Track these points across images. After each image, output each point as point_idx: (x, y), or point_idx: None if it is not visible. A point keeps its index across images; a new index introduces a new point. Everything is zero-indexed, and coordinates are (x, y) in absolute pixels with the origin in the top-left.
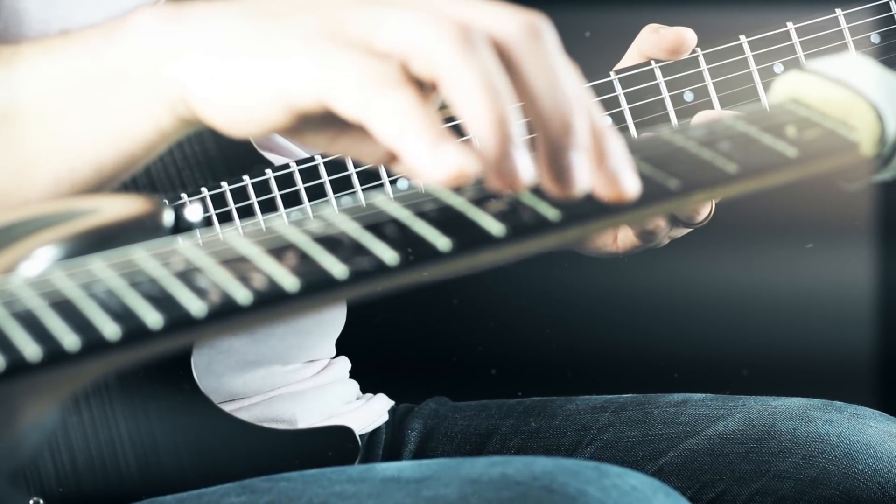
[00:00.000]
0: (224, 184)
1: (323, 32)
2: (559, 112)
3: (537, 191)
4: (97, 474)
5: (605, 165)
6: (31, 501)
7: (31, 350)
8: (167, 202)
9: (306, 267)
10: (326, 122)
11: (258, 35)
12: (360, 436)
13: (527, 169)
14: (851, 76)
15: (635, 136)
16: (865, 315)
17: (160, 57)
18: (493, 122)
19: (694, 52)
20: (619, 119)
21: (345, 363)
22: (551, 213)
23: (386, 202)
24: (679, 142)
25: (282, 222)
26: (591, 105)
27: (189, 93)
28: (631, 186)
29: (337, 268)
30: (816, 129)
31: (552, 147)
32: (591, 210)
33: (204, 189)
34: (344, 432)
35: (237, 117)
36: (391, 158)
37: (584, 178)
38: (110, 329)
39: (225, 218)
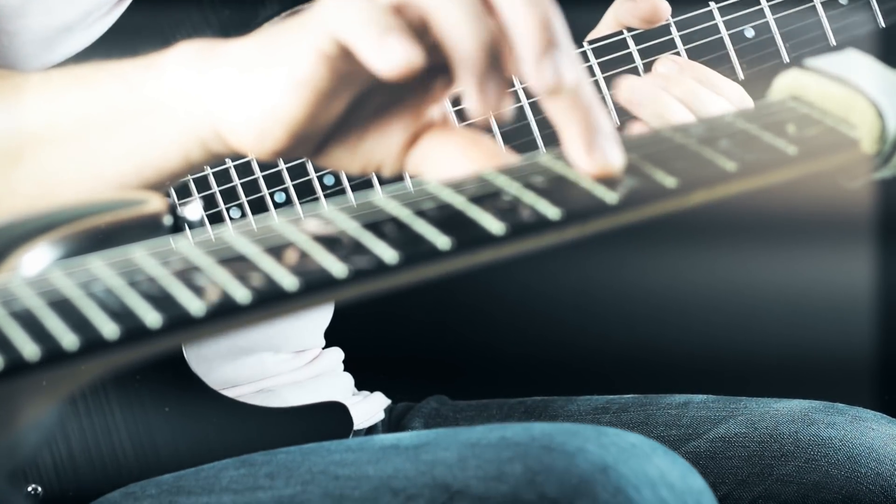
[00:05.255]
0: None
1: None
2: (536, 21)
3: (537, 189)
4: (94, 460)
5: (591, 140)
6: (30, 488)
7: (29, 349)
8: (168, 201)
9: (305, 266)
10: (344, 129)
11: (260, 44)
12: (356, 431)
13: (571, 73)
14: (852, 73)
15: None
16: (866, 316)
17: (195, 92)
18: (535, 23)
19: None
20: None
21: (337, 354)
22: (551, 212)
23: (385, 201)
24: (679, 139)
25: (281, 221)
26: (581, 79)
27: (218, 122)
28: (615, 160)
29: (336, 267)
30: (817, 127)
31: (532, 42)
32: (590, 209)
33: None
34: (337, 408)
35: (264, 124)
36: (405, 157)
37: (571, 76)
38: (109, 328)
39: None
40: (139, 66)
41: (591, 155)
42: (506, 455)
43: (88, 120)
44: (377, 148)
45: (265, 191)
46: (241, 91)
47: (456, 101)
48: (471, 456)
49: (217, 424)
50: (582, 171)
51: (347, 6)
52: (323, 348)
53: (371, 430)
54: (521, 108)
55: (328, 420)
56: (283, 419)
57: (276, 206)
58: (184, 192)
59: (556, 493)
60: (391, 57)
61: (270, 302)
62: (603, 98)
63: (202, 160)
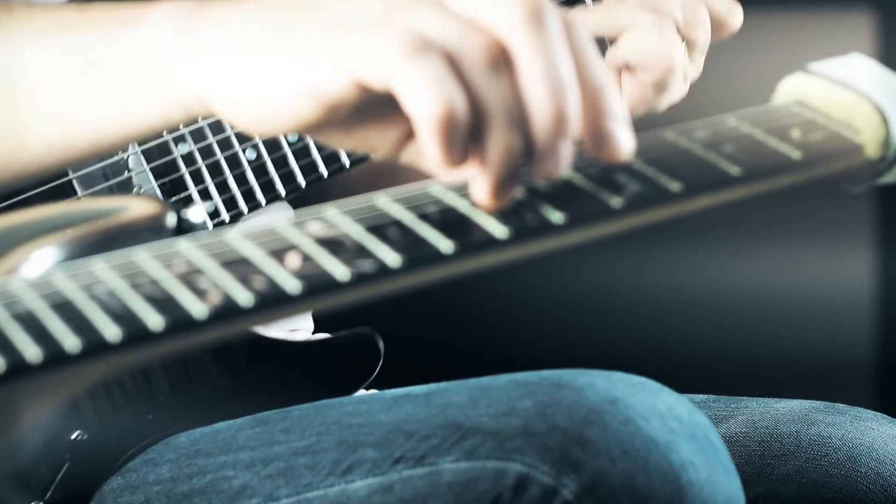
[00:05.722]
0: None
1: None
2: (553, 103)
3: (540, 194)
4: (135, 403)
5: (601, 124)
6: (76, 434)
7: (31, 352)
8: (171, 203)
9: (308, 269)
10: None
11: (279, 33)
12: None
13: (567, 162)
14: (856, 78)
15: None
16: (866, 316)
17: (177, 55)
18: (552, 113)
19: None
20: None
21: None
22: (555, 216)
23: (389, 204)
24: (683, 144)
25: (284, 223)
26: (592, 61)
27: (209, 94)
28: (626, 147)
29: (339, 270)
30: (821, 132)
31: (544, 135)
32: (595, 214)
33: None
34: (365, 338)
35: (267, 114)
36: (401, 149)
37: (568, 164)
38: (111, 331)
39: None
40: (120, 20)
41: (603, 141)
42: (516, 393)
43: (63, 70)
44: (375, 135)
45: (237, 147)
46: (239, 71)
47: None
48: (481, 397)
49: (251, 361)
50: (595, 157)
51: (421, 77)
52: (312, 332)
53: None
54: None
55: (357, 349)
56: (313, 351)
57: (250, 163)
58: (185, 193)
59: (567, 423)
60: (451, 158)
61: (273, 305)
62: None
63: (182, 120)
